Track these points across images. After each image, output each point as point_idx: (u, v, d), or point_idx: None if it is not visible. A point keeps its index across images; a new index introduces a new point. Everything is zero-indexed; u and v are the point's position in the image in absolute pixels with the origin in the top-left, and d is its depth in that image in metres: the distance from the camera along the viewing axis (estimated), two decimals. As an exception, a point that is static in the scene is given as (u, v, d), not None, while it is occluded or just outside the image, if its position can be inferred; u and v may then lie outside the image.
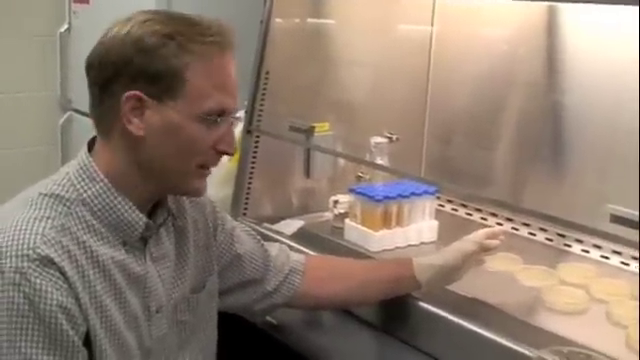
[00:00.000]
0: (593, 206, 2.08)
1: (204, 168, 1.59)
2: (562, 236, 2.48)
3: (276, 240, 2.51)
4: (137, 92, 1.48)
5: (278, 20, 2.66)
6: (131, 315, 1.57)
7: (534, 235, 2.55)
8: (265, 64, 2.66)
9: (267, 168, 2.73)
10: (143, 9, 1.57)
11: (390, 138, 2.64)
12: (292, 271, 1.95)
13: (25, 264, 1.39)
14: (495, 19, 2.65)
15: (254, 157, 2.70)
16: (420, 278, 1.94)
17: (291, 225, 2.61)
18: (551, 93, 2.50)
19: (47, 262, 1.41)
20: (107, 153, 1.55)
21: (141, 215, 1.56)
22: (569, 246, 2.46)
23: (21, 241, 1.41)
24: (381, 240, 2.43)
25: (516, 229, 2.60)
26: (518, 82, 2.64)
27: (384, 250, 2.42)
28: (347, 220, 2.53)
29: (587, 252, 2.40)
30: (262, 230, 2.58)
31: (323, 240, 2.53)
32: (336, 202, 2.64)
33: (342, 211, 2.61)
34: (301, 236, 2.53)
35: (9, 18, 3.78)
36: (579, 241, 2.43)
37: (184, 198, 1.77)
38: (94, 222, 1.51)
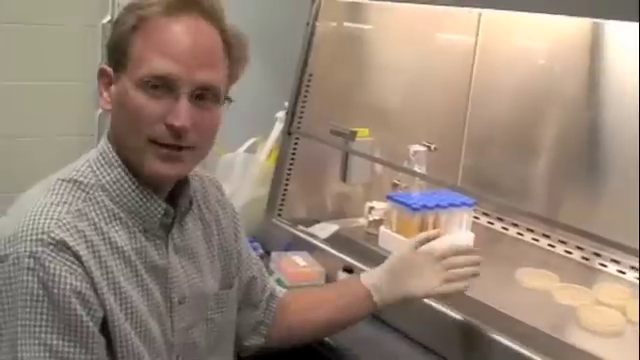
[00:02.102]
0: (630, 225, 2.07)
1: (157, 144, 1.47)
2: (598, 255, 2.46)
3: (310, 243, 2.52)
4: (104, 65, 1.50)
5: (324, 23, 2.66)
6: (153, 304, 1.54)
7: (570, 253, 2.53)
8: (309, 66, 2.66)
9: (304, 170, 2.74)
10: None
11: (428, 147, 2.64)
12: (271, 295, 1.93)
13: (39, 248, 1.38)
14: (540, 33, 2.65)
15: (292, 158, 2.70)
16: (371, 290, 1.87)
17: (326, 229, 2.61)
18: (591, 109, 2.49)
19: (62, 246, 1.39)
20: (113, 138, 1.55)
21: (160, 201, 1.54)
22: (605, 266, 2.44)
23: (36, 226, 1.40)
24: (416, 250, 2.41)
25: (552, 246, 2.58)
26: (558, 97, 2.62)
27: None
28: (382, 227, 2.52)
29: (623, 273, 2.38)
30: (297, 232, 2.59)
31: (357, 245, 2.52)
32: (371, 208, 2.63)
33: (377, 218, 2.60)
34: (335, 240, 2.53)
35: (53, 6, 3.80)
36: (615, 261, 2.41)
37: (210, 191, 1.77)
38: (114, 207, 1.50)
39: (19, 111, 3.78)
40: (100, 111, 3.89)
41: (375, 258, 2.37)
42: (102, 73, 1.51)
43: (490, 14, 2.74)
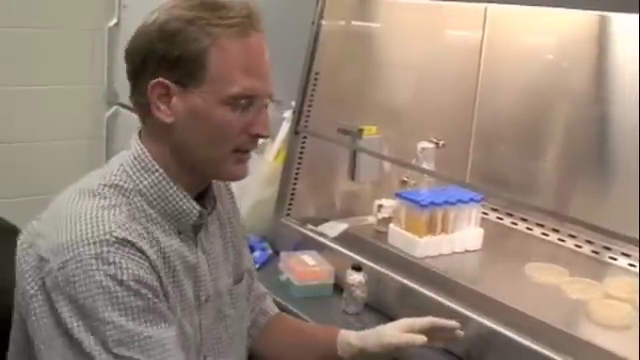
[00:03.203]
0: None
1: (241, 152, 1.56)
2: (608, 249, 2.45)
3: (319, 242, 2.52)
4: (161, 79, 1.49)
5: (329, 22, 2.66)
6: (187, 303, 1.57)
7: (580, 247, 2.52)
8: (315, 65, 2.66)
9: (312, 169, 2.73)
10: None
11: (437, 144, 2.64)
12: (261, 312, 1.95)
13: (104, 249, 1.40)
14: (546, 27, 2.63)
15: (300, 158, 2.70)
16: (342, 354, 1.84)
17: (335, 227, 2.61)
18: (599, 103, 2.49)
19: (126, 243, 1.42)
20: (150, 142, 1.57)
21: (195, 203, 1.58)
22: (615, 259, 2.43)
23: (96, 228, 1.42)
24: (425, 246, 2.41)
25: (562, 240, 2.57)
26: (566, 91, 2.62)
27: (427, 256, 2.40)
28: (391, 225, 2.52)
29: (634, 266, 2.38)
30: (305, 231, 2.59)
31: (366, 244, 2.51)
32: (380, 206, 2.63)
33: (386, 215, 2.60)
34: (344, 239, 2.53)
35: (59, 11, 3.81)
36: (626, 255, 2.41)
37: (222, 191, 1.79)
38: (151, 211, 1.52)
39: (28, 116, 3.80)
40: (109, 113, 3.91)
41: (384, 256, 2.39)
42: (157, 85, 1.50)
43: (496, 9, 2.74)
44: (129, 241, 1.43)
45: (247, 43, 1.51)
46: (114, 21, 3.88)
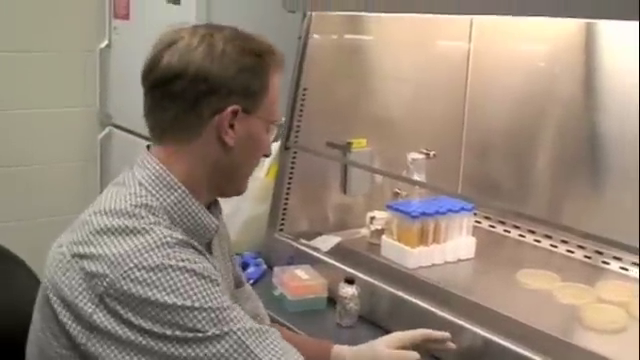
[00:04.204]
0: (631, 223, 2.08)
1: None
2: (600, 253, 2.46)
3: (312, 256, 2.52)
4: (236, 106, 1.57)
5: (316, 36, 2.68)
6: None
7: (572, 252, 2.53)
8: (303, 80, 2.67)
9: (304, 184, 2.74)
10: (184, 25, 1.63)
11: (427, 154, 2.65)
12: (255, 316, 1.93)
13: (169, 250, 1.44)
14: (533, 36, 2.65)
15: (291, 173, 2.71)
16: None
17: (328, 241, 2.61)
18: (588, 111, 2.50)
19: (186, 244, 1.49)
20: (183, 160, 1.59)
21: (213, 218, 1.63)
22: (607, 264, 2.44)
23: (151, 237, 1.45)
24: (418, 257, 2.42)
25: (554, 246, 2.59)
26: (555, 99, 2.63)
27: (420, 267, 2.41)
28: (384, 237, 2.53)
29: (626, 270, 2.39)
30: (299, 246, 2.59)
31: (360, 256, 2.52)
32: (373, 218, 2.64)
33: (379, 227, 2.60)
34: (338, 252, 2.54)
35: (50, 33, 3.83)
36: (617, 259, 2.42)
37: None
38: (175, 228, 1.54)
39: (21, 138, 3.81)
40: (102, 135, 3.92)
41: (378, 268, 2.39)
42: (233, 113, 1.57)
43: (482, 19, 2.75)
44: (188, 242, 1.50)
45: (280, 76, 1.66)
46: (105, 42, 3.88)
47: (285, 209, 2.72)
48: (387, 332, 2.05)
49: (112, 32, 3.87)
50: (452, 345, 1.87)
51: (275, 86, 1.63)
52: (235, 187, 1.70)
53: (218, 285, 1.48)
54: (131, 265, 1.41)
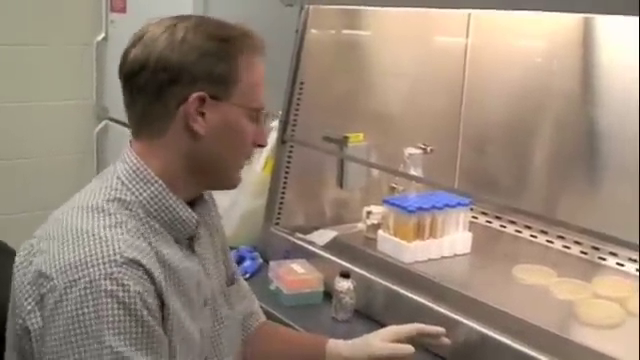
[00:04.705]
0: (628, 218, 2.07)
1: (246, 161, 1.68)
2: (597, 249, 2.46)
3: (309, 250, 2.52)
4: (202, 93, 1.53)
5: (313, 31, 2.67)
6: (194, 310, 1.60)
7: (568, 248, 2.53)
8: (300, 74, 2.67)
9: (301, 178, 2.74)
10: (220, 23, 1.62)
11: (424, 149, 2.64)
12: (251, 314, 1.96)
13: (115, 269, 1.40)
14: (530, 31, 2.65)
15: (288, 167, 2.71)
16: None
17: (324, 235, 2.61)
18: (586, 106, 2.49)
19: (134, 264, 1.42)
20: (158, 154, 1.58)
21: (193, 213, 1.61)
22: (604, 259, 2.44)
23: (105, 248, 1.42)
24: (414, 251, 2.42)
25: (551, 242, 2.58)
26: (552, 94, 2.63)
27: (416, 262, 2.41)
28: (380, 231, 2.53)
29: (622, 265, 2.38)
30: (295, 240, 2.59)
31: (356, 251, 2.52)
32: (369, 213, 2.64)
33: (375, 222, 2.60)
34: (334, 247, 2.54)
35: (46, 27, 3.82)
36: (614, 254, 2.41)
37: (207, 197, 1.79)
38: (153, 222, 1.54)
39: (17, 132, 3.80)
40: (98, 128, 3.91)
41: (374, 262, 2.39)
42: (198, 99, 1.54)
43: (479, 14, 2.75)
44: (137, 261, 1.43)
45: (260, 61, 1.62)
46: (102, 35, 3.88)
47: (281, 203, 2.72)
48: (383, 326, 2.04)
49: (109, 25, 3.86)
50: (446, 340, 1.85)
51: (252, 71, 1.59)
52: (221, 179, 1.66)
53: (149, 326, 1.42)
54: (76, 277, 1.39)
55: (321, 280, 2.37)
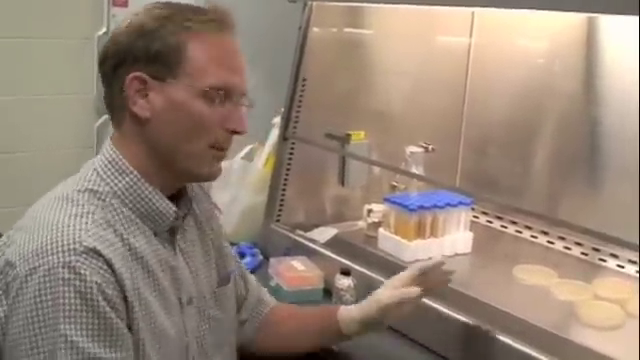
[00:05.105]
0: (630, 220, 2.07)
1: (216, 149, 1.59)
2: (597, 250, 2.45)
3: (309, 247, 2.52)
4: (138, 73, 1.52)
5: (316, 28, 2.66)
6: (169, 306, 1.58)
7: (569, 249, 2.52)
8: (302, 71, 2.66)
9: (302, 175, 2.73)
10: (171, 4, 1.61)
11: (426, 148, 2.64)
12: (260, 302, 1.98)
13: (73, 257, 1.40)
14: (534, 31, 2.64)
15: (289, 164, 2.70)
16: (347, 332, 1.88)
17: (325, 233, 2.61)
18: (589, 106, 2.49)
19: (94, 254, 1.42)
20: (124, 143, 1.58)
21: (171, 204, 1.59)
22: (604, 261, 2.43)
23: (66, 237, 1.42)
24: (415, 250, 2.41)
25: (551, 242, 2.58)
26: (555, 94, 2.62)
27: (417, 260, 2.40)
28: (381, 229, 2.52)
29: (622, 267, 2.38)
30: (295, 237, 2.59)
31: (356, 249, 2.52)
32: (370, 211, 2.63)
33: (376, 220, 2.60)
34: (334, 244, 2.53)
35: (48, 20, 3.81)
36: (614, 256, 2.41)
37: (199, 195, 1.80)
38: (129, 213, 1.54)
39: (17, 125, 3.80)
40: (98, 123, 3.90)
41: (374, 261, 2.39)
42: (135, 80, 1.52)
43: (483, 13, 2.75)
44: (97, 251, 1.42)
45: (222, 38, 1.57)
46: (103, 30, 3.86)
47: (282, 200, 2.72)
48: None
49: (110, 20, 3.85)
50: (449, 277, 1.91)
51: (203, 49, 1.53)
52: (186, 169, 1.59)
53: (105, 318, 1.41)
54: (36, 265, 1.40)
55: (321, 277, 2.37)
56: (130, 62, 1.52)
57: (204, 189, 1.87)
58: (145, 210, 1.55)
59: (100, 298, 1.40)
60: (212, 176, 1.64)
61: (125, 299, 1.46)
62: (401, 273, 1.87)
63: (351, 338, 1.89)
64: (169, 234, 1.62)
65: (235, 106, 1.58)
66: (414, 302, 1.83)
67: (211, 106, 1.54)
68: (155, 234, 1.58)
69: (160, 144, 1.56)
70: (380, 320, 1.84)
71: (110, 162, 1.56)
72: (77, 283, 1.38)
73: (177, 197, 1.65)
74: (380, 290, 1.86)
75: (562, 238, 2.55)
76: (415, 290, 1.80)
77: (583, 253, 2.49)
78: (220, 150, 1.60)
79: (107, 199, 1.52)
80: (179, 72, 1.52)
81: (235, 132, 1.59)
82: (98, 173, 1.55)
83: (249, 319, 1.95)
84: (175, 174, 1.60)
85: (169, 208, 1.58)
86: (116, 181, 1.54)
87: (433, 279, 1.88)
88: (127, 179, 1.55)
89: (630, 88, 2.25)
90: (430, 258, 2.39)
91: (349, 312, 1.86)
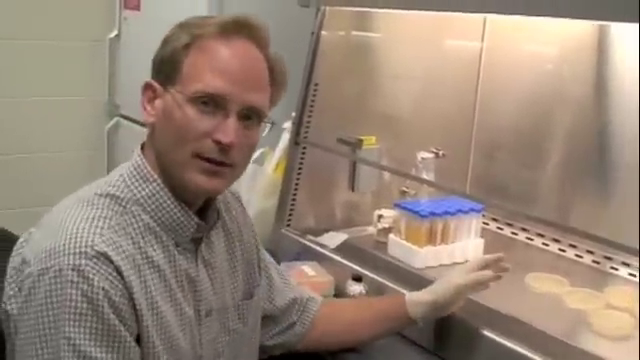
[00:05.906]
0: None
1: (201, 159, 1.51)
2: (609, 259, 2.44)
3: (319, 253, 2.51)
4: (149, 80, 1.54)
5: (328, 32, 2.66)
6: (184, 317, 1.57)
7: (581, 257, 2.51)
8: (314, 76, 2.65)
9: (312, 180, 2.73)
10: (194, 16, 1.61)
11: (436, 154, 2.63)
12: (310, 299, 1.98)
13: (83, 261, 1.39)
14: (545, 37, 2.64)
15: (300, 168, 2.70)
16: (414, 316, 1.92)
17: (335, 238, 2.60)
18: (599, 112, 2.48)
19: (104, 259, 1.41)
20: (147, 150, 1.59)
21: (193, 215, 1.58)
22: (616, 269, 2.43)
23: (79, 239, 1.42)
24: (425, 257, 2.40)
25: (563, 250, 2.57)
26: (566, 100, 2.61)
27: (428, 267, 2.39)
28: (391, 235, 2.51)
29: (634, 275, 2.37)
30: (306, 242, 2.58)
31: (367, 254, 2.51)
32: (380, 216, 2.62)
33: (386, 226, 2.59)
34: (344, 249, 2.53)
35: (60, 22, 3.82)
36: (626, 264, 2.40)
37: (232, 203, 1.79)
38: (149, 221, 1.53)
39: (29, 127, 3.81)
40: (109, 125, 3.91)
41: (384, 266, 2.38)
42: (147, 87, 1.55)
43: (495, 19, 2.74)
44: (108, 256, 1.42)
45: (226, 45, 1.53)
46: (115, 33, 3.88)
47: (293, 205, 2.71)
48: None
49: (122, 22, 3.86)
50: (507, 267, 2.02)
51: (198, 55, 1.51)
52: (177, 178, 1.54)
53: (109, 324, 1.40)
54: (48, 265, 1.40)
55: (332, 283, 2.36)
56: (152, 70, 1.56)
57: (240, 200, 1.87)
58: (166, 219, 1.54)
59: (106, 304, 1.40)
60: (200, 188, 1.54)
61: (134, 307, 1.45)
62: (469, 261, 2.02)
63: (417, 322, 1.94)
64: (193, 244, 1.61)
65: (225, 116, 1.50)
66: (486, 285, 1.96)
67: (201, 114, 1.49)
68: (177, 244, 1.57)
69: (160, 151, 1.56)
70: (452, 302, 1.93)
71: (136, 169, 1.56)
72: (85, 287, 1.39)
73: (204, 208, 1.64)
74: (454, 273, 1.96)
75: (573, 246, 2.54)
76: (489, 273, 1.93)
77: (595, 261, 2.48)
78: (206, 161, 1.51)
79: (127, 205, 1.52)
80: (177, 79, 1.52)
81: (219, 143, 1.50)
82: (124, 179, 1.56)
83: (298, 320, 1.94)
84: (176, 183, 1.56)
85: (190, 219, 1.57)
86: (140, 188, 1.54)
87: (494, 271, 1.98)
88: (150, 187, 1.54)
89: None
90: (440, 265, 2.41)
91: (419, 296, 1.93)
